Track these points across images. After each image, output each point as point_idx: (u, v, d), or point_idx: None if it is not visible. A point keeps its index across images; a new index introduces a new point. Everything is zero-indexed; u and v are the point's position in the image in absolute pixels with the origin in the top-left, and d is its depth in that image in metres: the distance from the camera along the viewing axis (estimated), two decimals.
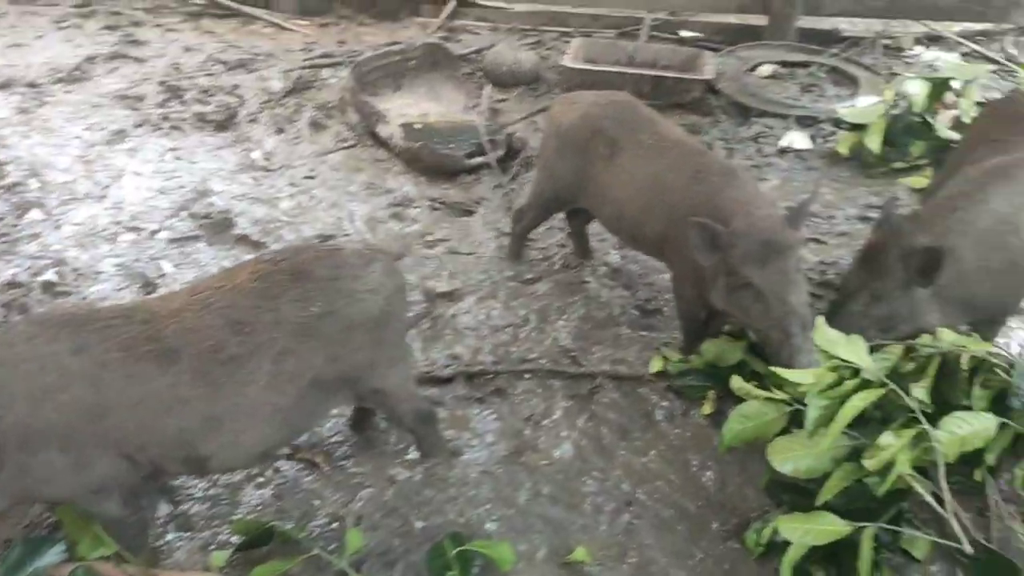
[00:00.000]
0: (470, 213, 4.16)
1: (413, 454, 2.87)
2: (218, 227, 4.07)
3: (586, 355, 3.34)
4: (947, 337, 2.59)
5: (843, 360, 2.39)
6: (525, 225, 3.69)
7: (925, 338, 2.62)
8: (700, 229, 2.68)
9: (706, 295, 2.90)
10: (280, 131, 4.93)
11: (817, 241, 4.04)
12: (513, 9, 6.27)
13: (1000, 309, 2.99)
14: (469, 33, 6.07)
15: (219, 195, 4.32)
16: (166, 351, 2.21)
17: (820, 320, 2.51)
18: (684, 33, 6.07)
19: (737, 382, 2.67)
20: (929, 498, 2.31)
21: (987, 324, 3.04)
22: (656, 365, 3.20)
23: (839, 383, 2.38)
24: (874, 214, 4.07)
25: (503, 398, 3.14)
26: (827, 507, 2.34)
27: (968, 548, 2.25)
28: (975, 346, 2.55)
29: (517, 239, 3.75)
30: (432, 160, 4.36)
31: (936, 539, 2.40)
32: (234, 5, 6.49)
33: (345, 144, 4.73)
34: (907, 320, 2.78)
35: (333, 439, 2.95)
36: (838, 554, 2.32)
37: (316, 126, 4.89)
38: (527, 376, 3.24)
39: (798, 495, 2.46)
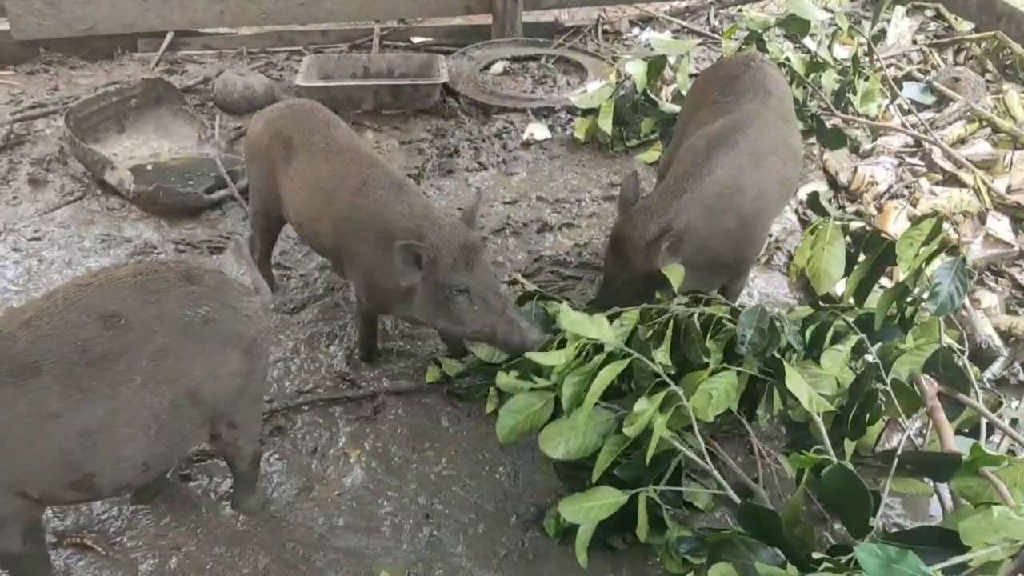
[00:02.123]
0: (220, 250, 3.97)
1: (194, 517, 2.70)
2: None
3: (363, 376, 3.28)
4: (676, 300, 2.77)
5: (588, 338, 2.48)
6: (260, 251, 3.56)
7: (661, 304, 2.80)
8: (403, 251, 2.68)
9: (384, 309, 2.99)
10: None
11: (570, 225, 4.20)
12: (237, 33, 6.04)
13: (741, 263, 3.22)
14: (194, 63, 5.78)
15: None
16: (21, 367, 2.01)
17: (564, 306, 2.59)
18: (416, 39, 6.10)
19: (503, 378, 2.71)
20: (692, 455, 2.44)
21: (734, 280, 3.28)
22: (432, 375, 3.20)
23: (587, 361, 2.47)
24: (616, 192, 4.29)
25: (283, 435, 3.02)
26: (610, 480, 2.42)
27: (735, 497, 2.40)
28: (709, 307, 2.74)
29: (260, 268, 3.59)
30: (170, 201, 4.11)
31: (710, 491, 2.55)
32: None
33: (72, 197, 4.36)
34: (662, 289, 2.94)
35: (104, 517, 2.71)
36: (628, 520, 2.41)
37: (36, 183, 4.47)
38: (306, 408, 3.13)
39: (581, 473, 2.53)
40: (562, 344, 2.61)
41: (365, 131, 4.96)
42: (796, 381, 2.45)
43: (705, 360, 2.56)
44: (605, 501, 2.31)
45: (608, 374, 2.38)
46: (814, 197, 3.07)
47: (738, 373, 2.52)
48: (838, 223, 2.85)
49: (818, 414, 2.43)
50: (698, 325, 2.60)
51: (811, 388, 2.47)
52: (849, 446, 2.54)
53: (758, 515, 2.12)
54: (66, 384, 2.05)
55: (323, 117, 3.25)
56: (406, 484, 2.85)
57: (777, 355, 2.55)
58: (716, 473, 2.45)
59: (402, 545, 2.64)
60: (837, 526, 2.59)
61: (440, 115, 5.16)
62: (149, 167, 4.46)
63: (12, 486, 2.09)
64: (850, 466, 2.14)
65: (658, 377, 2.47)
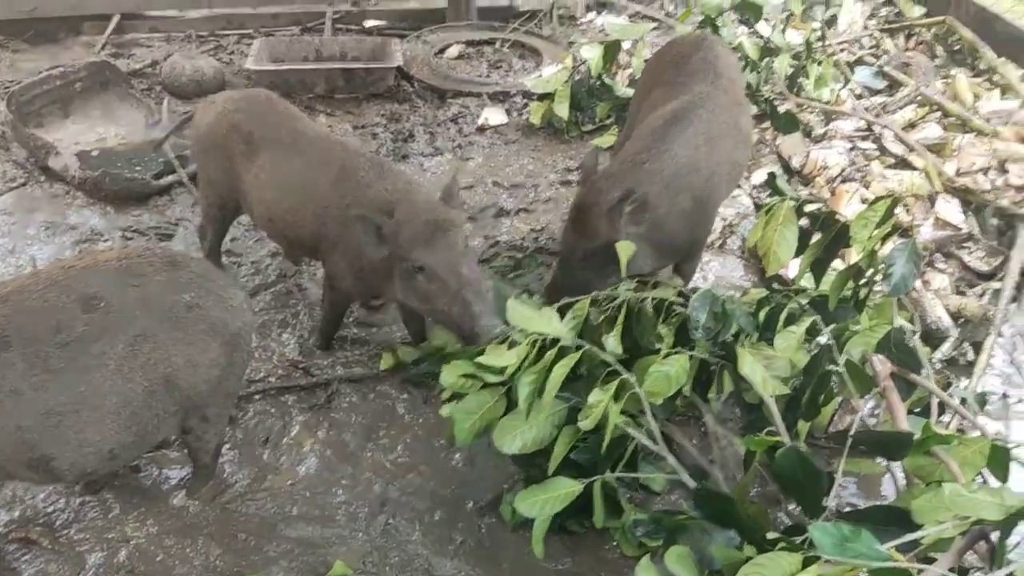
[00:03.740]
0: (170, 236, 3.88)
1: (143, 509, 2.64)
2: None
3: (317, 364, 3.23)
4: (626, 285, 2.75)
5: (539, 333, 2.44)
6: (211, 240, 3.49)
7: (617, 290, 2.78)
8: (363, 223, 2.65)
9: (372, 290, 2.92)
10: None
11: (526, 211, 4.18)
12: (186, 16, 5.90)
13: (695, 245, 3.23)
14: (141, 47, 5.64)
15: None
16: None
17: (511, 302, 2.55)
18: (368, 23, 6.02)
19: (447, 378, 2.59)
20: (645, 440, 2.43)
21: (687, 261, 3.28)
22: (387, 361, 3.16)
23: (540, 356, 2.43)
24: (574, 177, 4.28)
25: (234, 426, 2.95)
26: (566, 465, 2.40)
27: (689, 480, 2.40)
28: (656, 291, 2.73)
29: (209, 256, 3.53)
30: (116, 187, 4.01)
31: (665, 474, 2.54)
32: None
33: (14, 184, 4.23)
34: (620, 268, 2.93)
35: (50, 510, 2.64)
36: (586, 505, 2.40)
37: None
38: (258, 397, 3.08)
39: (537, 459, 2.51)
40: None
41: (318, 115, 4.88)
42: (749, 364, 2.45)
43: (658, 345, 2.55)
44: (561, 492, 2.28)
45: (561, 370, 2.35)
46: (772, 177, 3.08)
47: (690, 357, 2.52)
48: (793, 204, 2.86)
49: (772, 396, 2.43)
50: (650, 309, 2.59)
51: (764, 371, 2.47)
52: (803, 427, 2.56)
53: (712, 498, 2.12)
54: (32, 363, 2.02)
55: (283, 109, 3.19)
56: (361, 472, 2.81)
57: (730, 339, 2.55)
58: (670, 457, 2.44)
59: (357, 534, 2.61)
60: (792, 507, 2.61)
61: (394, 99, 5.10)
62: (95, 152, 4.34)
63: None
64: (804, 447, 2.15)
65: (610, 366, 2.46)
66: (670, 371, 2.42)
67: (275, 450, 2.88)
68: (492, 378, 2.51)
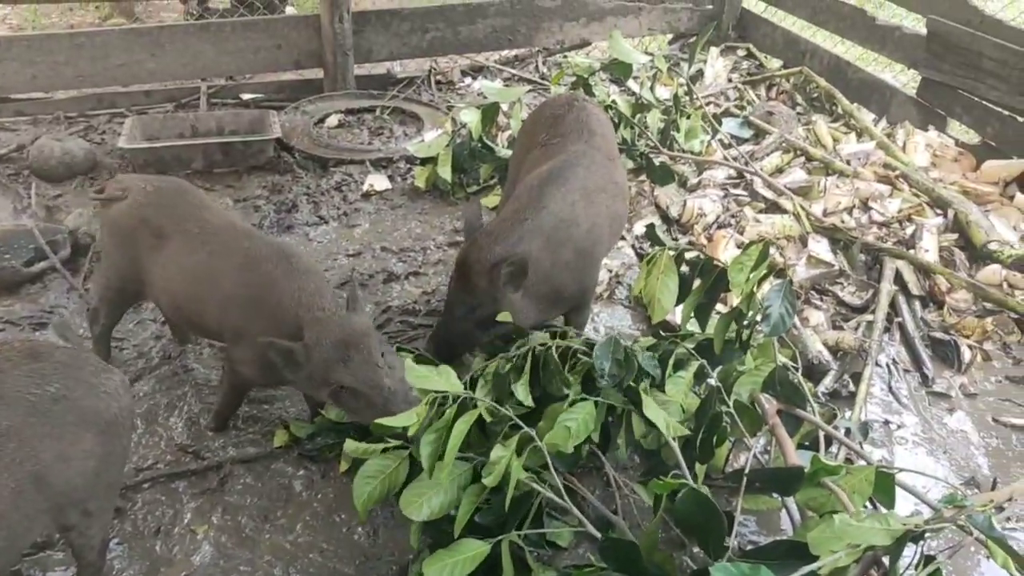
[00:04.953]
0: (43, 326, 3.70)
1: None
2: None
3: (207, 446, 3.11)
4: (535, 336, 2.78)
5: (436, 391, 2.43)
6: (104, 324, 3.35)
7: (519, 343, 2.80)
8: (274, 350, 2.59)
9: (278, 379, 2.81)
10: None
11: (416, 274, 4.17)
12: (53, 97, 5.72)
13: (582, 295, 3.29)
14: (5, 131, 5.43)
15: None
16: None
17: (408, 361, 2.55)
18: (245, 96, 5.97)
19: (351, 445, 2.60)
20: (549, 494, 2.44)
21: (576, 312, 3.34)
22: (280, 438, 3.08)
23: (440, 415, 2.42)
24: (461, 238, 4.30)
25: (123, 518, 2.81)
26: (474, 530, 2.38)
27: (594, 532, 2.41)
28: (561, 340, 2.77)
29: (99, 342, 3.39)
30: None
31: (571, 528, 2.54)
32: None
33: None
34: (501, 323, 2.96)
35: None
36: (494, 567, 2.37)
37: None
38: (146, 486, 2.94)
39: (442, 525, 2.47)
40: None
41: None
42: (653, 409, 2.50)
43: (565, 392, 2.58)
44: (468, 554, 2.25)
45: (463, 426, 2.34)
46: (651, 229, 3.19)
47: (596, 404, 2.55)
48: (672, 252, 2.95)
49: (674, 439, 2.48)
50: (556, 357, 2.62)
51: (666, 415, 2.53)
52: (700, 469, 2.61)
53: (618, 548, 2.14)
54: None
55: (193, 200, 3.11)
56: (259, 557, 2.71)
57: (633, 384, 2.60)
58: (575, 510, 2.45)
59: None
60: (696, 549, 2.64)
61: (275, 171, 5.05)
62: None
63: None
64: (703, 489, 2.19)
65: (511, 421, 2.46)
66: (572, 423, 2.44)
67: (167, 540, 2.75)
68: (393, 440, 2.48)
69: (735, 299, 2.83)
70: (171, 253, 2.97)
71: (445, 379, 2.43)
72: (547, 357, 2.66)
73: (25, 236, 4.08)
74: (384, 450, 2.54)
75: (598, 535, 2.39)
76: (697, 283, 2.92)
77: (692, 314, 2.91)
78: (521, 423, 2.46)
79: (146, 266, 3.05)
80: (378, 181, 4.93)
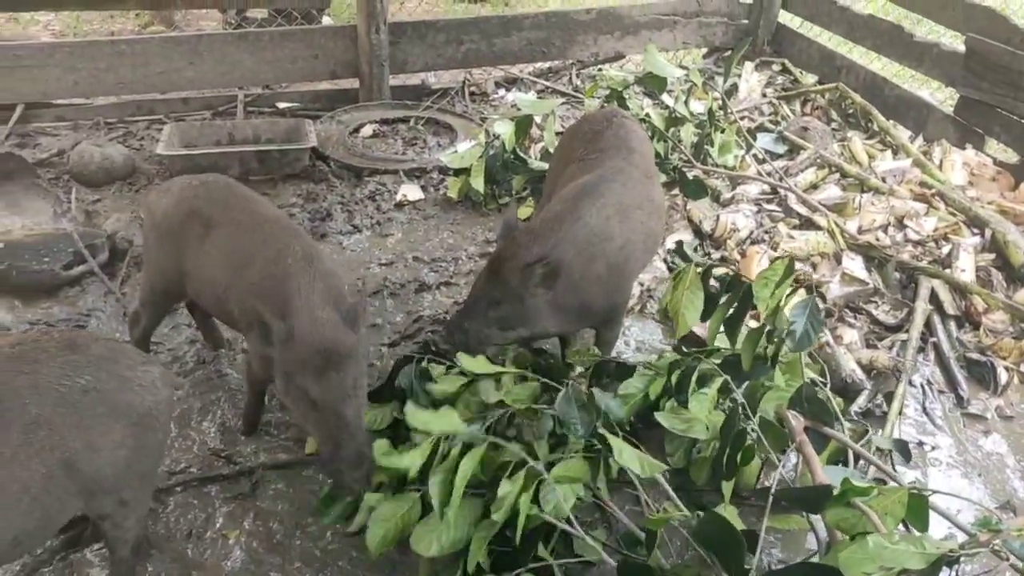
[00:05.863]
0: (82, 328, 3.77)
1: None
2: None
3: (240, 451, 3.15)
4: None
5: (440, 432, 2.44)
6: (144, 327, 3.41)
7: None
8: (259, 322, 2.59)
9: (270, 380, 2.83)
10: None
11: (448, 284, 4.20)
12: (94, 104, 5.84)
13: (612, 310, 3.28)
14: (47, 136, 5.54)
15: None
16: None
17: (410, 407, 2.56)
18: (281, 104, 6.05)
19: (370, 499, 2.59)
20: (563, 525, 2.42)
21: (606, 327, 3.34)
22: (312, 445, 3.10)
23: (447, 455, 2.42)
24: (492, 249, 4.32)
25: (155, 520, 2.86)
26: (484, 567, 2.38)
27: (609, 560, 2.40)
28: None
29: (138, 345, 3.45)
30: (23, 279, 3.90)
31: (583, 560, 2.50)
32: None
33: None
34: (525, 324, 2.98)
35: None
36: None
37: None
38: (179, 489, 2.98)
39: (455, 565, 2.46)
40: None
41: None
42: (627, 454, 2.48)
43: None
44: None
45: (469, 464, 2.34)
46: (679, 246, 3.19)
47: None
48: (698, 268, 2.95)
49: (660, 474, 2.45)
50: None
51: (641, 455, 2.49)
52: (727, 487, 2.59)
53: (636, 573, 2.13)
54: None
55: (242, 193, 3.17)
56: (289, 562, 2.74)
57: (602, 430, 2.60)
58: (589, 540, 2.42)
59: None
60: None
61: (310, 179, 5.10)
62: (0, 245, 4.22)
63: None
64: (724, 511, 2.18)
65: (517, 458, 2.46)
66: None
67: (199, 544, 2.79)
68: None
69: (762, 315, 2.82)
70: (217, 238, 2.99)
71: (447, 420, 2.44)
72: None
73: (64, 240, 4.17)
74: (395, 492, 2.55)
75: (613, 563, 2.37)
76: (724, 298, 2.91)
77: (720, 329, 2.90)
78: (528, 458, 2.44)
79: (190, 256, 3.06)
80: (411, 191, 4.97)
